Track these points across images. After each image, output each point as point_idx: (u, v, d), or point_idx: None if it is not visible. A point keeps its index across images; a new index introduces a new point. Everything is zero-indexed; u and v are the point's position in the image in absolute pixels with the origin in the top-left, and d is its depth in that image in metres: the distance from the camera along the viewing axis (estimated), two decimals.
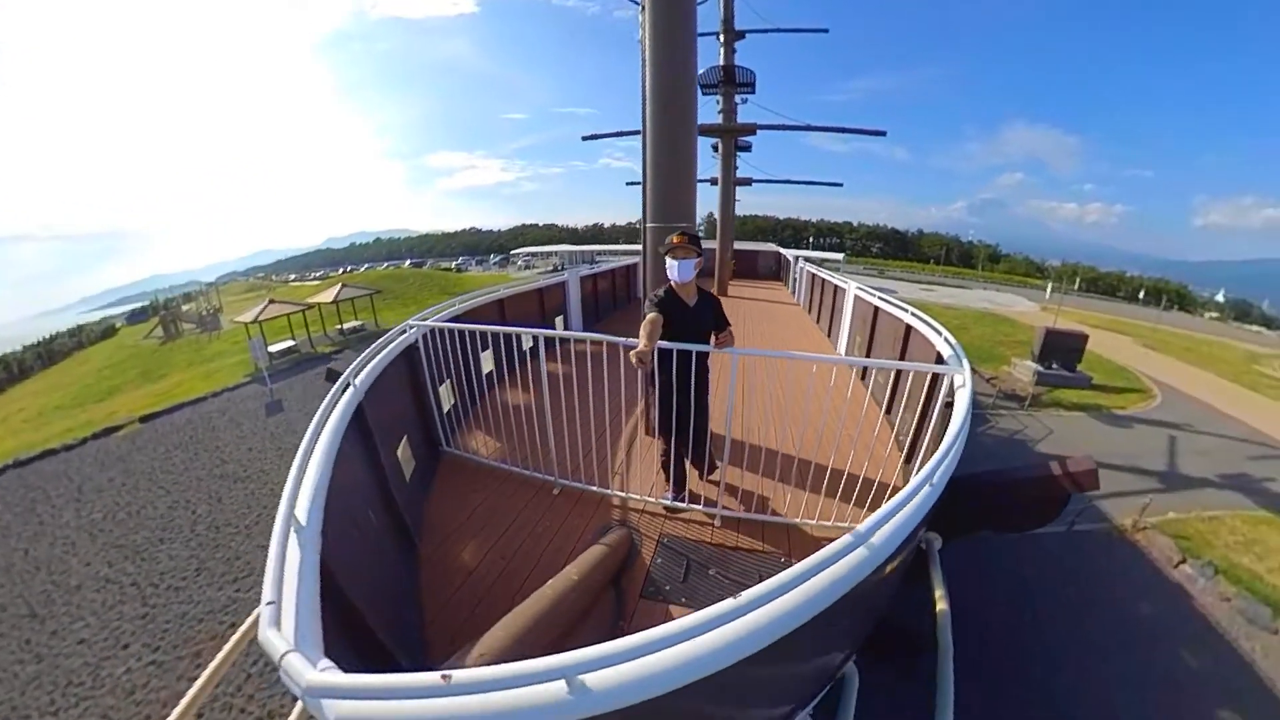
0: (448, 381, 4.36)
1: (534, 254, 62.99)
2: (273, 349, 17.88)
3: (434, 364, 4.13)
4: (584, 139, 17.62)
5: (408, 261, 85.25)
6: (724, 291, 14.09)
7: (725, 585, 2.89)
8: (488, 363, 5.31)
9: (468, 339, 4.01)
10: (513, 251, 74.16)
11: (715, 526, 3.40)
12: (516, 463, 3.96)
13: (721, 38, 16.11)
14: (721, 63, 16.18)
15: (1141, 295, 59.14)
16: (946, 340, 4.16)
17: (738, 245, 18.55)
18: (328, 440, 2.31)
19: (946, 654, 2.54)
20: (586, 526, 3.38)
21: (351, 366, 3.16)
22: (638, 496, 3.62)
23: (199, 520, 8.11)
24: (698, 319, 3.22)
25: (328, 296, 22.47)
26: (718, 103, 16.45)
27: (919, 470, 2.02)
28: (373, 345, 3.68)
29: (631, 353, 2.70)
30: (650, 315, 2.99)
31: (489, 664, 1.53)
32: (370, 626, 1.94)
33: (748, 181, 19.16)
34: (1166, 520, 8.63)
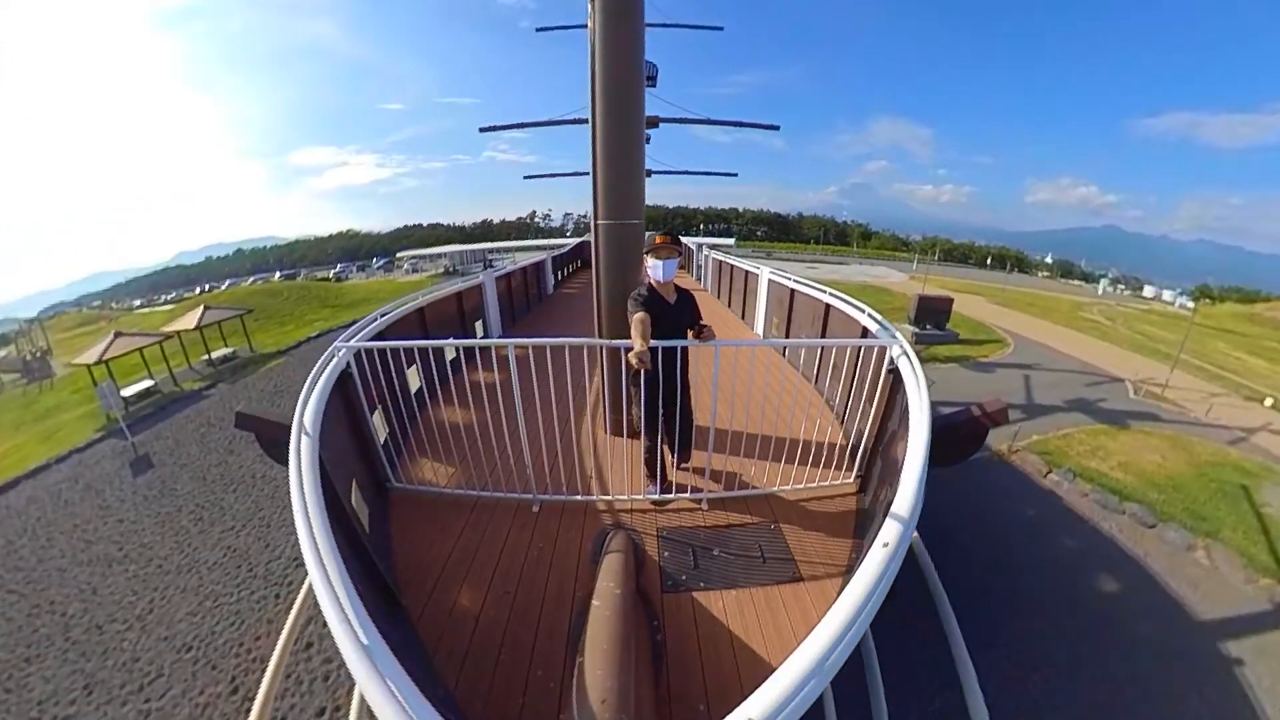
0: (379, 408, 3.91)
1: (421, 256, 58.90)
2: (127, 393, 15.25)
3: (368, 390, 3.68)
4: (481, 130, 16.73)
5: (278, 273, 76.29)
6: None
7: (732, 562, 3.04)
8: (415, 380, 4.93)
9: (398, 356, 3.68)
10: (398, 254, 68.92)
11: (704, 510, 3.52)
12: (486, 487, 3.67)
13: None
14: None
15: (989, 261, 70.30)
16: (871, 316, 4.52)
17: None
18: (318, 517, 1.94)
19: (930, 569, 3.01)
20: (583, 538, 3.27)
21: (298, 409, 2.72)
22: (624, 497, 3.59)
23: (72, 623, 6.65)
24: (678, 316, 3.30)
25: (189, 322, 19.55)
26: None
27: (905, 429, 2.28)
28: (309, 378, 3.17)
29: (631, 354, 2.71)
30: (639, 315, 2.99)
31: (617, 704, 1.47)
32: None
33: (648, 173, 19.51)
34: (1032, 442, 10.45)
